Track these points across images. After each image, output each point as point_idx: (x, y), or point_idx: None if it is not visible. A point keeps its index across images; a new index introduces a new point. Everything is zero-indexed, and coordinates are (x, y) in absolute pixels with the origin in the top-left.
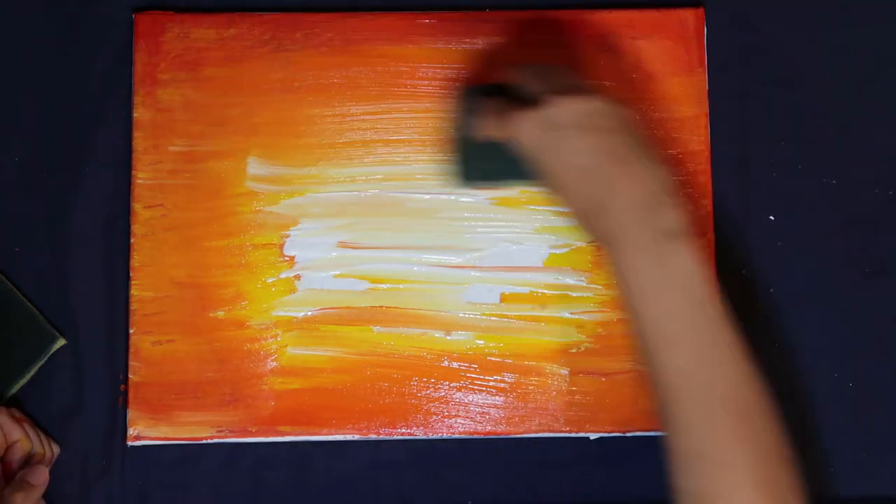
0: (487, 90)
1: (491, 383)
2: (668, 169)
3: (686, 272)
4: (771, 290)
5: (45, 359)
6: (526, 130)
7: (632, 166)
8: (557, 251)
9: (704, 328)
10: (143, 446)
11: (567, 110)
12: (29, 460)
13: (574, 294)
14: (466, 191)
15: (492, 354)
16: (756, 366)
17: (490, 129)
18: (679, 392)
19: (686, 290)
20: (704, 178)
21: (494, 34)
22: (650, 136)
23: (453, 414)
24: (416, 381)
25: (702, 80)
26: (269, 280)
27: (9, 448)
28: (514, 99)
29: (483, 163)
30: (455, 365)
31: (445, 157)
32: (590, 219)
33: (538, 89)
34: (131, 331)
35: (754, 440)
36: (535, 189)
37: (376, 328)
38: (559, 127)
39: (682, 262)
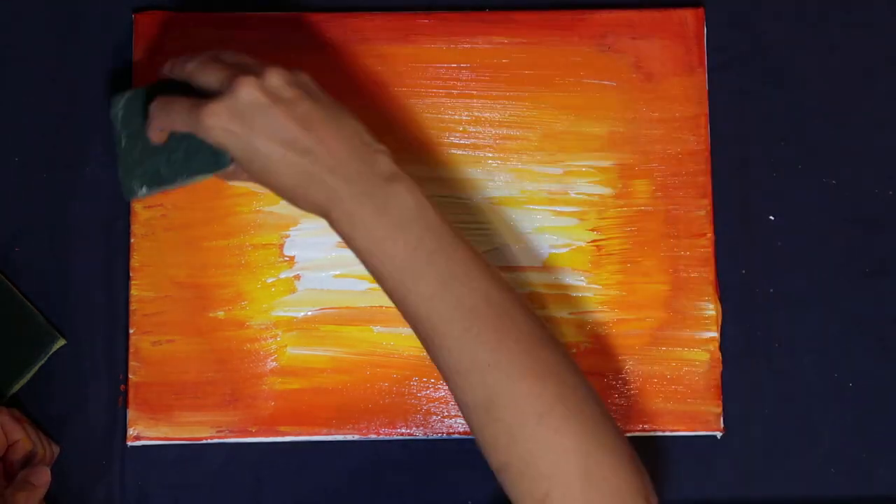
0: (154, 90)
1: None
2: (360, 120)
3: (408, 209)
4: (771, 291)
5: (45, 359)
6: (216, 123)
7: (326, 127)
8: (557, 251)
9: (439, 254)
10: (143, 446)
11: (247, 92)
12: (29, 460)
13: (574, 294)
14: (138, 200)
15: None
16: (498, 273)
17: (175, 126)
18: (433, 318)
19: (412, 225)
20: (704, 178)
21: (494, 34)
22: (332, 94)
23: (453, 414)
24: (415, 381)
25: (702, 80)
26: (269, 280)
27: (10, 448)
28: (188, 92)
29: (153, 166)
30: None
31: (119, 171)
32: (301, 193)
33: (215, 77)
34: (131, 331)
35: (517, 332)
36: (220, 176)
37: (376, 328)
38: (246, 110)
39: (402, 201)
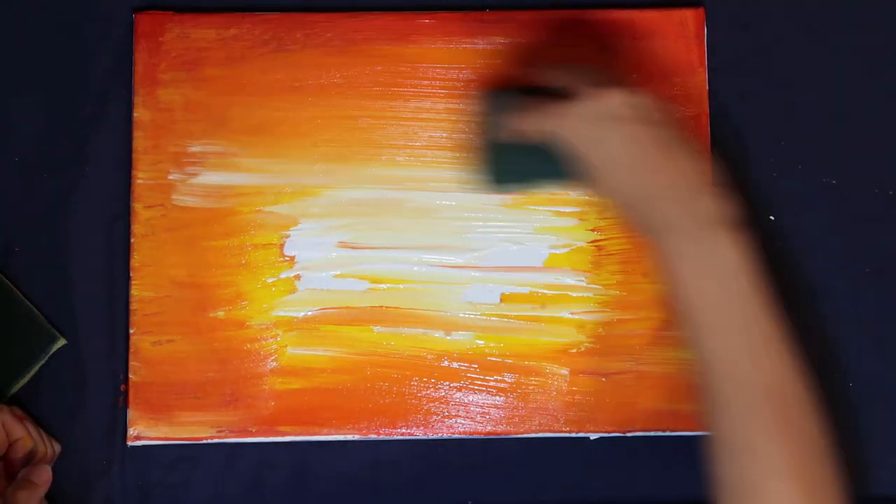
0: (516, 91)
1: (491, 383)
2: (706, 160)
3: (731, 261)
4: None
5: (45, 359)
6: (570, 124)
7: (676, 157)
8: (557, 251)
9: (748, 318)
10: (143, 446)
11: (612, 102)
12: (31, 459)
13: (574, 294)
14: (499, 194)
15: (492, 354)
16: (800, 360)
17: (528, 126)
18: (720, 381)
19: (730, 278)
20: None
21: (494, 34)
22: (686, 130)
23: (453, 414)
24: (416, 381)
25: (702, 80)
26: (269, 280)
27: (11, 446)
28: (549, 96)
29: (513, 165)
30: (455, 365)
31: (474, 163)
32: (636, 210)
33: (574, 86)
34: (131, 331)
35: (792, 433)
36: (566, 188)
37: (376, 328)
38: (605, 119)
39: (727, 251)
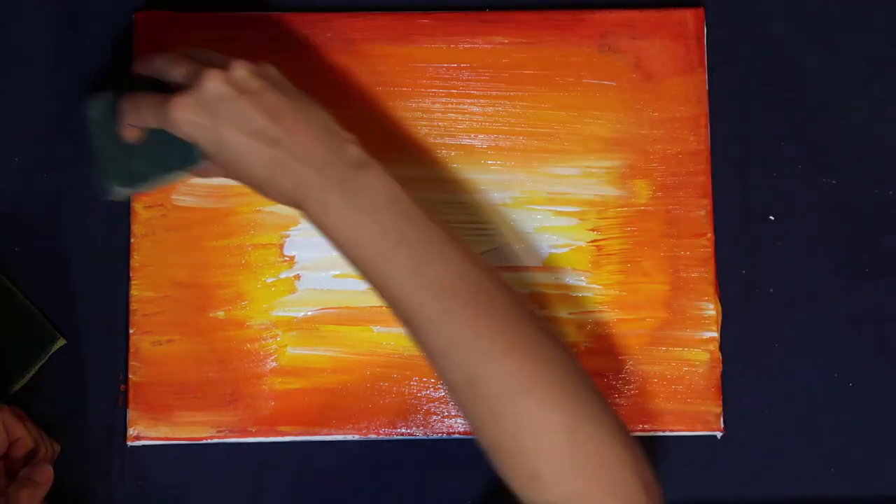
0: (126, 86)
1: None
2: (327, 110)
3: (378, 194)
4: (771, 290)
5: (45, 359)
6: (183, 116)
7: (293, 117)
8: (557, 251)
9: (412, 237)
10: (143, 446)
11: (214, 84)
12: (31, 458)
13: (574, 294)
14: (116, 198)
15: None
16: (474, 252)
17: (146, 122)
18: (411, 301)
19: (383, 210)
20: (704, 178)
21: (494, 34)
22: (299, 85)
23: (453, 414)
24: (416, 381)
25: (702, 80)
26: (269, 280)
27: (11, 446)
28: (160, 88)
29: (127, 166)
30: None
31: (99, 171)
32: (271, 184)
33: (182, 73)
34: (131, 331)
35: (495, 310)
36: (195, 174)
37: (376, 328)
38: (212, 102)
39: (372, 187)
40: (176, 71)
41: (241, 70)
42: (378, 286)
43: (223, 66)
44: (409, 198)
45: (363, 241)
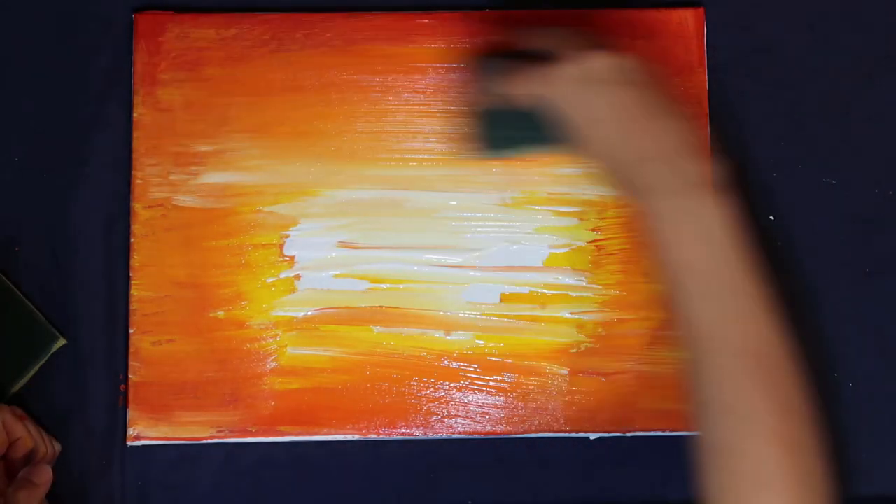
0: (505, 56)
1: (491, 383)
2: (691, 123)
3: (714, 222)
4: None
5: (45, 359)
6: (559, 86)
7: (662, 119)
8: (557, 251)
9: (734, 281)
10: (143, 446)
11: (600, 65)
12: (31, 459)
13: (574, 294)
14: (491, 159)
15: (492, 354)
16: (783, 322)
17: (516, 90)
18: (703, 343)
19: (714, 240)
20: None
21: (494, 34)
22: (673, 93)
23: (453, 414)
24: (416, 381)
25: (702, 80)
26: (269, 280)
27: (11, 446)
28: (536, 61)
29: (504, 130)
30: (455, 365)
31: (466, 128)
32: (622, 171)
33: (561, 49)
34: (131, 331)
35: (777, 396)
36: (557, 152)
37: (376, 328)
38: (592, 81)
39: (711, 212)
40: (559, 46)
41: (629, 59)
42: (676, 305)
43: (610, 51)
44: (740, 239)
45: (683, 262)
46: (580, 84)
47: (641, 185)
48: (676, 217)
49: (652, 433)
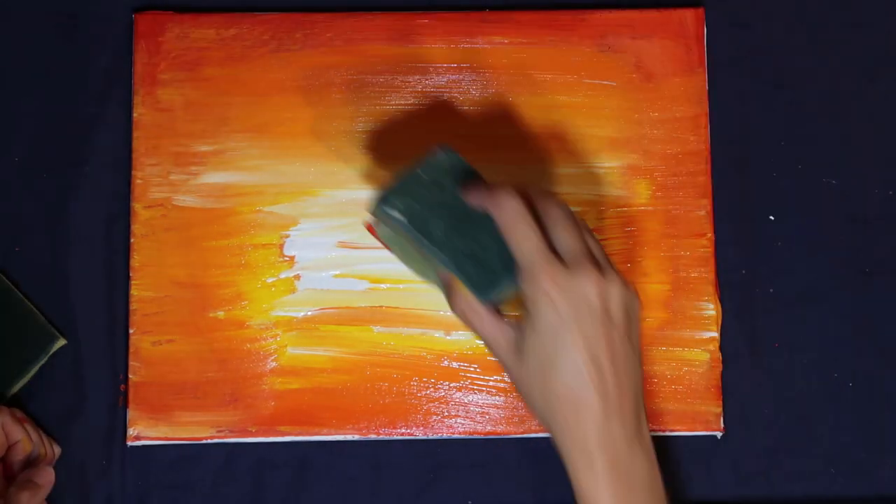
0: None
1: (491, 383)
2: (643, 367)
3: (643, 477)
4: (771, 290)
5: (45, 359)
6: (545, 285)
7: (625, 371)
8: None
9: None
10: (143, 446)
11: (589, 289)
12: (30, 461)
13: None
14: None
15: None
16: None
17: (511, 240)
18: None
19: (641, 493)
20: (704, 178)
21: (494, 34)
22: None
23: (453, 414)
24: (416, 381)
25: (702, 80)
26: (269, 280)
27: (10, 448)
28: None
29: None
30: (455, 365)
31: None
32: (570, 415)
33: (567, 242)
34: (131, 331)
35: None
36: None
37: (376, 328)
38: (577, 298)
39: (641, 466)
40: (564, 235)
41: (617, 292)
42: None
43: (604, 272)
44: (662, 482)
45: None
46: (560, 293)
47: (580, 436)
48: (606, 474)
49: (652, 433)
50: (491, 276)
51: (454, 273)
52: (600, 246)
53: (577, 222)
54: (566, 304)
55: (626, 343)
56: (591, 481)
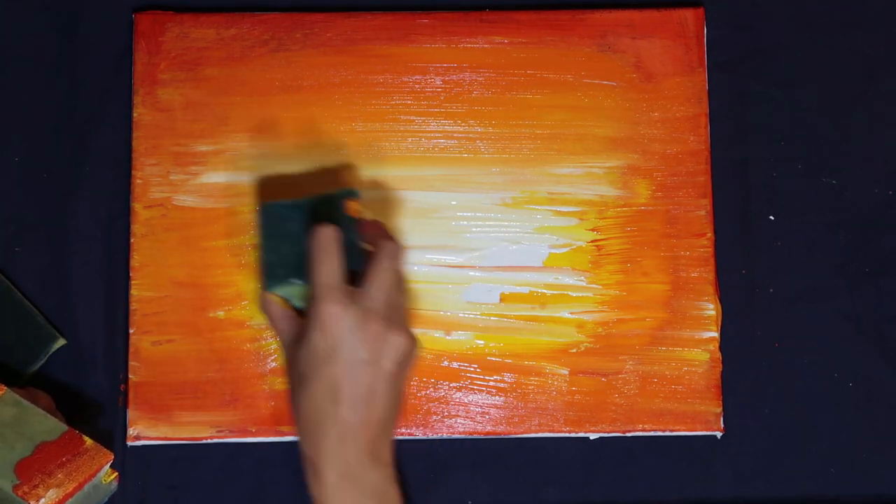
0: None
1: (491, 383)
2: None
3: (378, 487)
4: (771, 290)
5: (45, 359)
6: (332, 310)
7: (374, 406)
8: (557, 251)
9: None
10: (143, 446)
11: (370, 341)
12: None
13: (574, 294)
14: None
15: (492, 354)
16: None
17: (312, 273)
18: None
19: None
20: (704, 178)
21: (494, 34)
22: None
23: (453, 414)
24: (415, 381)
25: (702, 80)
26: None
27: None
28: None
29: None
30: (455, 365)
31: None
32: (307, 433)
33: (371, 288)
34: (131, 331)
35: None
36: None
37: None
38: (349, 344)
39: (376, 481)
40: (370, 276)
41: (394, 343)
42: None
43: (386, 319)
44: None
45: None
46: (349, 326)
47: (323, 456)
48: (349, 492)
49: (652, 433)
50: (282, 277)
51: (261, 262)
52: (403, 300)
53: (394, 273)
54: (335, 338)
55: (385, 386)
56: (318, 489)
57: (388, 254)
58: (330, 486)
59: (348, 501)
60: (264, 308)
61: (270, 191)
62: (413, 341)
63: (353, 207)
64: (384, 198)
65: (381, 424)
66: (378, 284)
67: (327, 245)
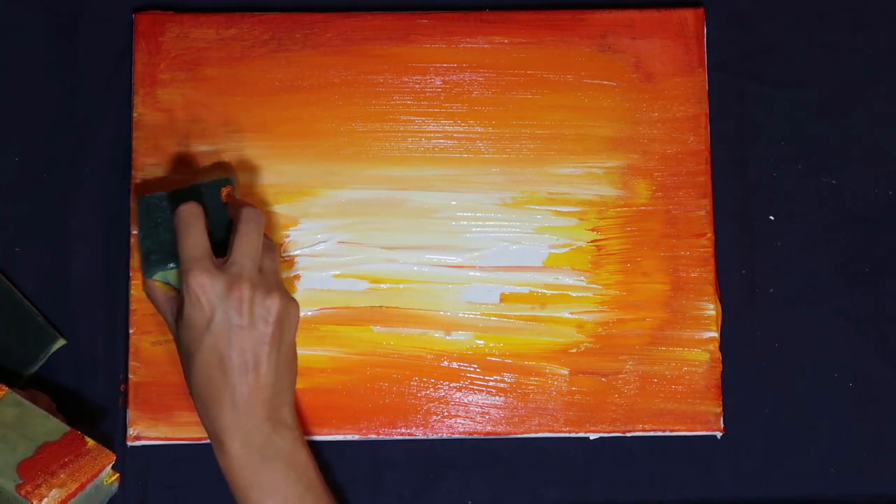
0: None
1: (491, 383)
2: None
3: (285, 453)
4: (771, 290)
5: (45, 359)
6: (199, 280)
7: (263, 369)
8: (557, 251)
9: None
10: (143, 446)
11: (239, 294)
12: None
13: (574, 294)
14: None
15: (492, 354)
16: None
17: (180, 245)
18: None
19: (290, 475)
20: (704, 178)
21: (494, 34)
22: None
23: (453, 414)
24: (416, 381)
25: (702, 80)
26: None
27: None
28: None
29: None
30: (455, 365)
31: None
32: (212, 393)
33: (245, 248)
34: (131, 331)
35: None
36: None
37: (376, 328)
38: (222, 310)
39: (282, 445)
40: (246, 242)
41: (268, 303)
42: None
43: (253, 281)
44: (314, 467)
45: (261, 499)
46: (210, 295)
47: (224, 426)
48: (255, 461)
49: (652, 433)
50: (160, 262)
51: (141, 250)
52: (273, 264)
53: (257, 237)
54: (209, 307)
55: (268, 350)
56: (225, 461)
57: (248, 219)
58: (234, 456)
59: (256, 469)
60: (148, 294)
61: (157, 189)
62: (287, 302)
63: (227, 192)
64: (384, 198)
65: (273, 388)
66: (242, 250)
67: (189, 220)
